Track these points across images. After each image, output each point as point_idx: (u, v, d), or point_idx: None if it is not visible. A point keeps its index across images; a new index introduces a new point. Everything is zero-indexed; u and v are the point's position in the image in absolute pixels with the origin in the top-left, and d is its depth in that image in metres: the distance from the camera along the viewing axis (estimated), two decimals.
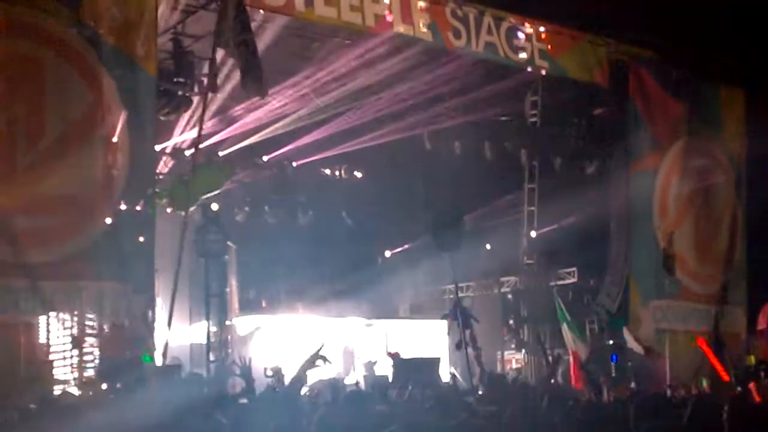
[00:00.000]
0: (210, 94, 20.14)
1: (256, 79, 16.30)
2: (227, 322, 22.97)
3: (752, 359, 21.26)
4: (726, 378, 18.53)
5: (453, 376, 22.26)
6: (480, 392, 15.95)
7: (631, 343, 21.29)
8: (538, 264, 24.96)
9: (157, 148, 19.27)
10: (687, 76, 23.80)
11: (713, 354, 20.23)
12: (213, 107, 21.84)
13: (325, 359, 9.11)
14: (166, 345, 16.39)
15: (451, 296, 27.47)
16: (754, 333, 23.06)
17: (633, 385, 18.50)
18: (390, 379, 19.83)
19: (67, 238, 15.48)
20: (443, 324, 26.48)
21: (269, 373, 17.88)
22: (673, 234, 22.97)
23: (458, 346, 21.41)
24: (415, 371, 19.44)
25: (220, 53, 19.68)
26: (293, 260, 27.71)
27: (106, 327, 15.91)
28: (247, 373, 11.09)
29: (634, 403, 8.54)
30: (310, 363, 9.05)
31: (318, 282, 27.70)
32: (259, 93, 17.14)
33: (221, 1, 16.32)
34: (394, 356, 19.96)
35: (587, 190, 24.30)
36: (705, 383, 18.39)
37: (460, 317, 21.02)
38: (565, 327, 21.05)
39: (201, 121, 17.74)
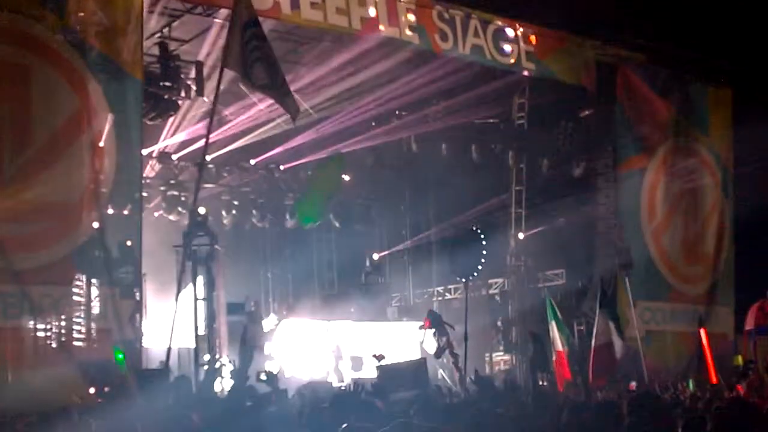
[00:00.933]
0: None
1: (288, 96, 16.05)
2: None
3: (740, 359, 21.32)
4: (714, 379, 18.55)
5: (442, 379, 22.24)
6: (462, 395, 16.00)
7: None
8: (525, 265, 24.97)
9: (144, 152, 19.21)
10: (674, 76, 23.87)
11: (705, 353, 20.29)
12: (200, 110, 21.86)
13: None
14: (169, 352, 16.37)
15: (439, 298, 27.54)
16: (741, 333, 23.12)
17: (633, 385, 18.49)
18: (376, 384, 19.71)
19: (54, 242, 15.47)
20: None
21: (263, 377, 17.85)
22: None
23: (437, 354, 21.50)
24: (400, 376, 19.38)
25: (203, 56, 19.76)
26: (281, 263, 27.71)
27: (93, 331, 15.89)
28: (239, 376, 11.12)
29: (626, 400, 8.52)
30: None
31: (306, 285, 27.69)
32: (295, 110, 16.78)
33: (230, 19, 15.95)
34: (380, 358, 19.91)
35: (575, 191, 24.33)
36: (692, 384, 18.40)
37: (435, 325, 21.10)
38: (553, 325, 21.00)
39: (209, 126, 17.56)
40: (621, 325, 20.36)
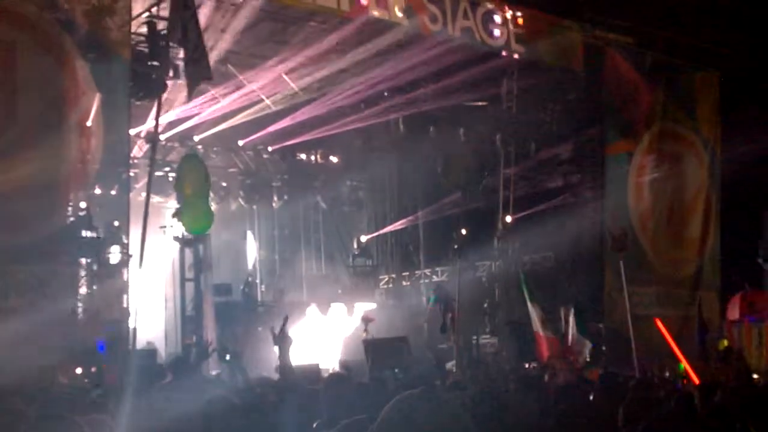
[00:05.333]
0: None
1: (204, 64, 15.95)
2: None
3: (725, 343, 21.45)
4: (687, 365, 18.54)
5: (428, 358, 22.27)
6: (454, 372, 16.09)
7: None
8: (512, 248, 24.98)
9: (132, 132, 19.15)
10: (662, 60, 23.88)
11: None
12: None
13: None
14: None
15: (426, 281, 27.56)
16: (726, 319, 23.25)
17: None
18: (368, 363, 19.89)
19: (41, 222, 15.40)
20: (417, 308, 26.60)
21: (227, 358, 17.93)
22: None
23: (442, 329, 21.58)
24: (387, 353, 19.64)
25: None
26: (268, 245, 27.69)
27: (80, 311, 15.87)
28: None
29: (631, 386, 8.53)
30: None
31: (293, 267, 27.67)
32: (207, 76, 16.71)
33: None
34: (368, 321, 20.05)
35: (563, 174, 24.37)
36: (682, 368, 18.45)
37: (442, 301, 21.15)
38: (536, 307, 21.07)
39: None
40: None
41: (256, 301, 23.61)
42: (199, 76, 15.71)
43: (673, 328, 23.08)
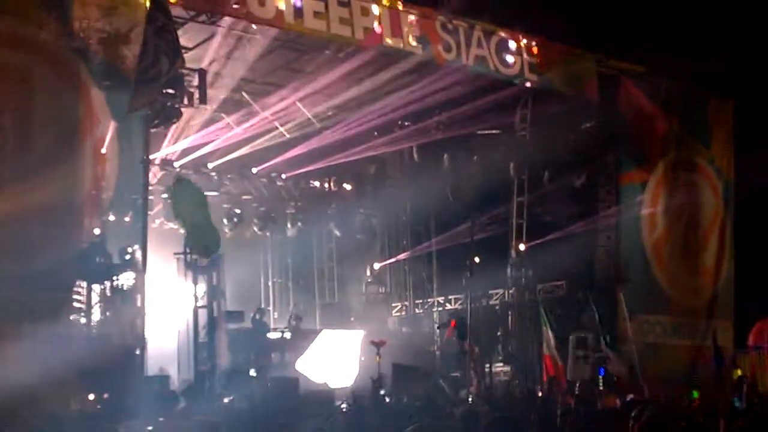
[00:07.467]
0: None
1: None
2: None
3: (738, 372, 21.34)
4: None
5: (441, 386, 22.29)
6: (470, 400, 16.15)
7: (614, 366, 21.17)
8: (525, 277, 24.92)
9: None
10: (676, 88, 23.88)
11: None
12: (203, 118, 21.87)
13: None
14: None
15: (439, 309, 27.50)
16: (744, 348, 23.13)
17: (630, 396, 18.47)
18: (387, 384, 20.02)
19: (55, 248, 15.47)
20: (429, 336, 26.60)
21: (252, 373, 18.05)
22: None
23: (461, 352, 21.71)
24: (409, 379, 19.95)
25: (206, 63, 19.80)
26: (281, 271, 27.71)
27: (94, 337, 15.89)
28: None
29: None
30: None
31: (306, 293, 27.66)
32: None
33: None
34: (380, 345, 20.15)
35: (576, 203, 24.31)
36: (696, 396, 18.38)
37: (460, 329, 21.32)
38: (548, 330, 21.11)
39: None
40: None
41: (268, 328, 23.59)
42: (146, 99, 15.97)
43: (688, 356, 23.05)
